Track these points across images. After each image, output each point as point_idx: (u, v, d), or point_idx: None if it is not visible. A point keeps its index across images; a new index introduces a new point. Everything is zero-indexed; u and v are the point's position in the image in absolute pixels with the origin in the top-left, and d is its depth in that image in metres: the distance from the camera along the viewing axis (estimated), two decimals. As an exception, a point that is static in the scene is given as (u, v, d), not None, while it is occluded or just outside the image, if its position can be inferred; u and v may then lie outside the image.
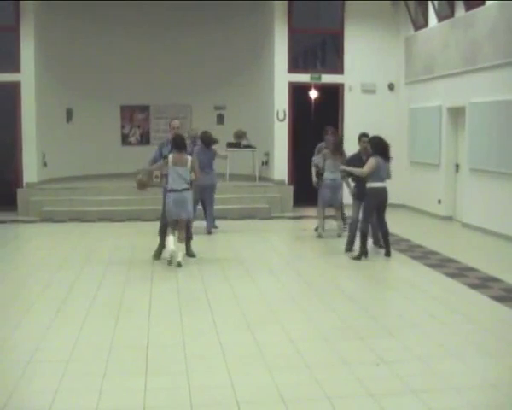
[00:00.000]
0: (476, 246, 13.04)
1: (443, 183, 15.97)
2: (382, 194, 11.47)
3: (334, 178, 13.29)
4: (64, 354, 6.60)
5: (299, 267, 10.87)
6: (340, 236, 13.30)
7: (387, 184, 11.66)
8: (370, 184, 11.30)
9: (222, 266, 10.88)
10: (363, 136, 12.21)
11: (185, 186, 10.73)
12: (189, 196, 10.80)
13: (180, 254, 10.77)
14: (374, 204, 11.42)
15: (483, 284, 9.57)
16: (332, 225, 13.94)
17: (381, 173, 11.41)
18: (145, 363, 6.36)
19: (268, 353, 6.65)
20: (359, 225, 11.52)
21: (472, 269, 10.51)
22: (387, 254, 11.44)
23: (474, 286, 9.42)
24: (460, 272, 10.30)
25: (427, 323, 7.82)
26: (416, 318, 8.01)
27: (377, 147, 11.42)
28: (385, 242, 11.61)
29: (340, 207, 13.69)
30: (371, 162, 11.25)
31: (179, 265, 10.62)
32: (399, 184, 18.12)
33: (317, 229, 13.67)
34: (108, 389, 5.76)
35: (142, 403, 5.46)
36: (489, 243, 13.13)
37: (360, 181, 11.64)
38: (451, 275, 10.13)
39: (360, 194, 11.70)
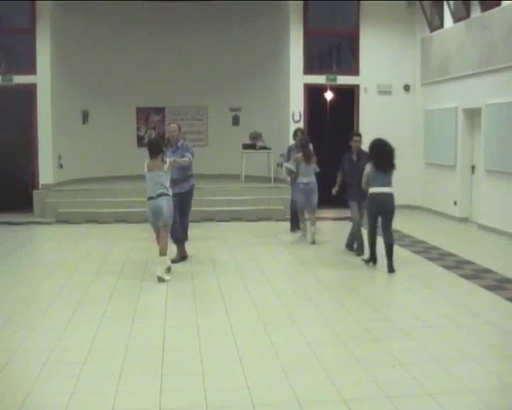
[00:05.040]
0: (492, 247, 12.98)
1: (459, 184, 15.91)
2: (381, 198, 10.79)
3: (307, 183, 13.04)
4: (80, 355, 6.63)
5: (315, 269, 10.84)
6: (314, 242, 12.99)
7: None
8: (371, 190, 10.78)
9: (237, 267, 10.90)
10: (355, 135, 12.16)
11: (161, 191, 10.02)
12: (163, 202, 10.00)
13: (159, 269, 9.94)
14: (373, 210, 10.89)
15: (499, 285, 9.52)
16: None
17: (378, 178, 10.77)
18: (161, 364, 6.37)
19: (284, 355, 6.64)
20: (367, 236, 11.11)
21: (488, 271, 10.46)
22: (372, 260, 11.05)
23: (490, 288, 9.37)
24: (476, 274, 10.25)
25: (444, 325, 7.78)
26: (432, 320, 7.97)
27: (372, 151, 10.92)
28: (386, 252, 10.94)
29: (314, 211, 13.26)
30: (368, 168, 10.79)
31: (159, 280, 9.82)
32: (415, 186, 18.14)
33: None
34: (124, 390, 5.78)
35: (157, 404, 5.47)
36: (505, 244, 13.06)
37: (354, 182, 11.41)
38: (467, 277, 10.09)
39: (354, 195, 11.64)
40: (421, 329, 7.62)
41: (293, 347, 6.96)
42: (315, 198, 13.07)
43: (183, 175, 11.18)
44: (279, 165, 18.53)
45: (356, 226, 11.96)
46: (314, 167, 13.09)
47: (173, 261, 10.79)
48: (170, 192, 10.18)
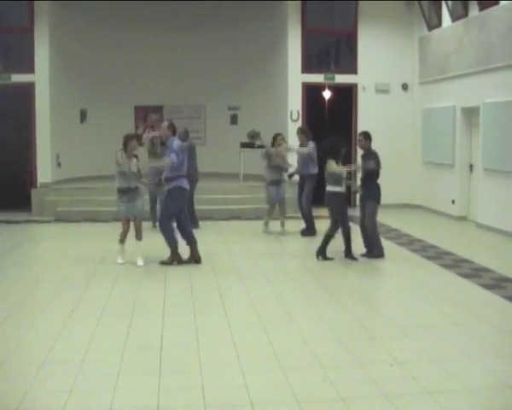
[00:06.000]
0: (490, 246, 12.99)
1: (457, 183, 15.92)
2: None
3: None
4: (78, 353, 6.62)
5: (313, 268, 10.85)
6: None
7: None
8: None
9: (235, 266, 10.90)
10: (359, 134, 12.19)
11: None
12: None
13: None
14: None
15: (497, 284, 9.53)
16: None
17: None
18: (159, 363, 6.37)
19: (282, 353, 6.64)
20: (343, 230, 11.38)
21: (486, 269, 10.47)
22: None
23: (488, 287, 9.38)
24: (474, 273, 10.26)
25: (441, 323, 7.80)
26: (430, 318, 7.98)
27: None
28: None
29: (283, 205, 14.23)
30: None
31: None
32: (413, 185, 18.15)
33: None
34: (122, 388, 5.77)
35: (155, 403, 5.47)
36: (503, 243, 13.07)
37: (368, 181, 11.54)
38: (466, 275, 10.10)
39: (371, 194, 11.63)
40: (418, 327, 7.63)
41: (290, 345, 6.96)
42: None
43: (169, 174, 10.89)
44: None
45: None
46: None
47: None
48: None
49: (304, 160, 14.11)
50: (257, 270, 10.67)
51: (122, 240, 11.16)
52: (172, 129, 11.10)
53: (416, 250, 12.16)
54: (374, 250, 11.48)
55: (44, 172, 17.35)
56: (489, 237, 13.68)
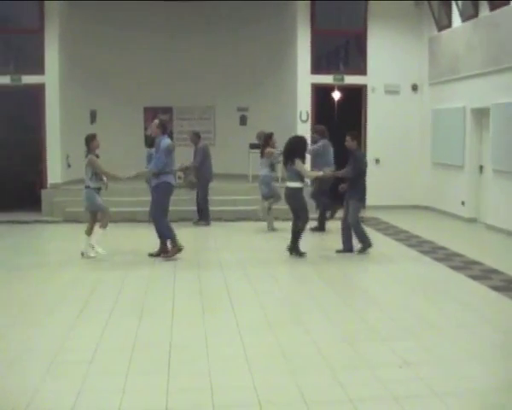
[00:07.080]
0: (500, 248, 12.94)
1: (467, 184, 15.86)
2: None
3: (259, 175, 14.81)
4: (87, 354, 6.63)
5: (320, 267, 10.84)
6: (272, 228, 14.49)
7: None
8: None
9: (243, 266, 10.89)
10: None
11: (86, 184, 11.98)
12: (85, 193, 11.97)
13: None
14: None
15: (507, 286, 9.48)
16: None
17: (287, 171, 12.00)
18: (167, 363, 6.37)
19: (290, 354, 6.64)
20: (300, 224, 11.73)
21: (496, 271, 10.42)
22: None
23: (497, 288, 9.34)
24: (484, 275, 10.22)
25: (450, 325, 7.77)
26: (438, 320, 7.95)
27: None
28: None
29: (264, 200, 14.59)
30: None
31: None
32: (422, 186, 18.11)
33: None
34: (131, 389, 5.78)
35: (164, 403, 5.47)
36: (513, 244, 13.05)
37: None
38: (475, 277, 10.05)
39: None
40: (427, 329, 7.61)
41: (298, 346, 6.96)
42: (263, 188, 14.54)
43: (155, 171, 11.32)
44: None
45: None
46: (266, 161, 14.57)
47: (151, 255, 11.57)
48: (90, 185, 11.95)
49: (314, 159, 14.27)
50: (265, 270, 10.65)
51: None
52: (162, 128, 11.42)
53: (425, 252, 12.12)
54: (362, 246, 11.78)
55: (54, 172, 17.42)
56: (499, 239, 13.63)
